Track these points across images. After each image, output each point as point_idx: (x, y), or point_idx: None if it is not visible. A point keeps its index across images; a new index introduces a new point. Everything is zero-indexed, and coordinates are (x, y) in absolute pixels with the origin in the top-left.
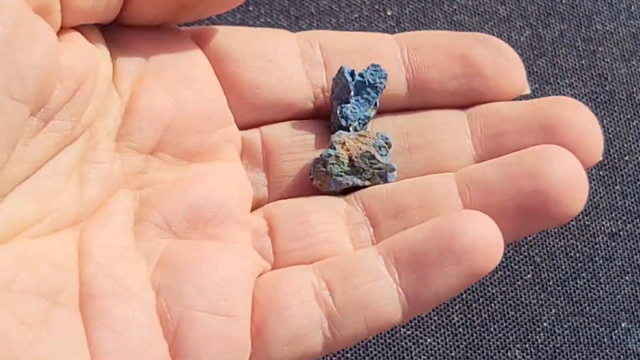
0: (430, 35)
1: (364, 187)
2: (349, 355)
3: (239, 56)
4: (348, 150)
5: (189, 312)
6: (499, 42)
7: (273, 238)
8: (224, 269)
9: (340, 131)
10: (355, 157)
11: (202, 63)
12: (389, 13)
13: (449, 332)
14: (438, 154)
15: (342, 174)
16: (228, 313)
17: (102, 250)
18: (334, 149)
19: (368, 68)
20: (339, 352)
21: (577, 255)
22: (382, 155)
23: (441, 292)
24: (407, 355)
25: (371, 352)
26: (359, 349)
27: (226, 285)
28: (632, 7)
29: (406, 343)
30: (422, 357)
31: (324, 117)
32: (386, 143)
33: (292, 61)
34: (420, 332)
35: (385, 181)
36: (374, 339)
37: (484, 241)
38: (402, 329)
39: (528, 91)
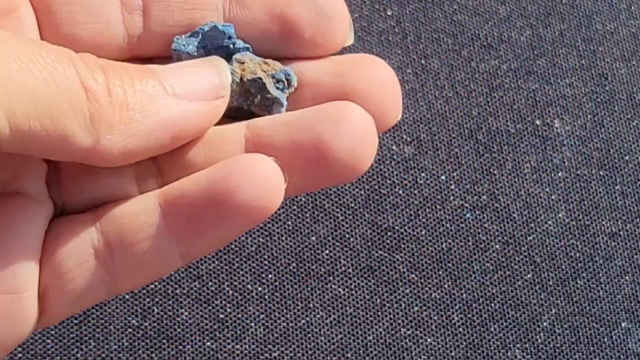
0: None
1: (249, 113)
2: (349, 355)
3: (57, 7)
4: (243, 71)
5: None
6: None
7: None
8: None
9: (249, 53)
10: (248, 79)
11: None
12: (389, 13)
13: (449, 331)
14: None
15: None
16: (13, 291)
17: None
18: (231, 65)
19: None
20: (338, 352)
21: (577, 255)
22: (277, 88)
23: (219, 241)
24: (407, 355)
25: (371, 352)
26: (359, 349)
27: (13, 257)
28: (633, 7)
29: (406, 343)
30: (422, 357)
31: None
32: (287, 79)
33: (109, 10)
34: (421, 332)
35: (270, 114)
36: (373, 338)
37: (263, 194)
38: (402, 329)
39: (350, 42)
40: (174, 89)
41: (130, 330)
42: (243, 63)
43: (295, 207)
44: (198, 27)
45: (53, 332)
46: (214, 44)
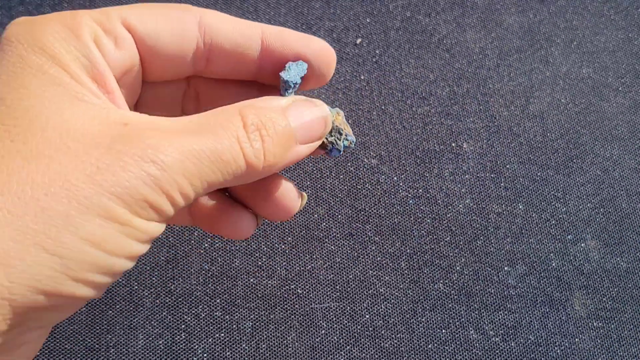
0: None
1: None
2: (337, 287)
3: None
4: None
5: None
6: None
7: None
8: None
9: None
10: (337, 125)
11: None
12: (362, 77)
13: (399, 273)
14: None
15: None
16: None
17: None
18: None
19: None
20: (330, 286)
21: (477, 225)
22: (342, 130)
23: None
24: (373, 287)
25: (350, 285)
26: (343, 284)
27: None
28: (511, 74)
29: (372, 280)
30: (382, 288)
31: None
32: (349, 140)
33: (190, 32)
34: (381, 273)
35: (328, 153)
36: (352, 277)
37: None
38: (370, 271)
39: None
40: (297, 138)
41: (203, 272)
42: (335, 114)
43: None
44: (289, 63)
45: (147, 273)
46: (296, 78)
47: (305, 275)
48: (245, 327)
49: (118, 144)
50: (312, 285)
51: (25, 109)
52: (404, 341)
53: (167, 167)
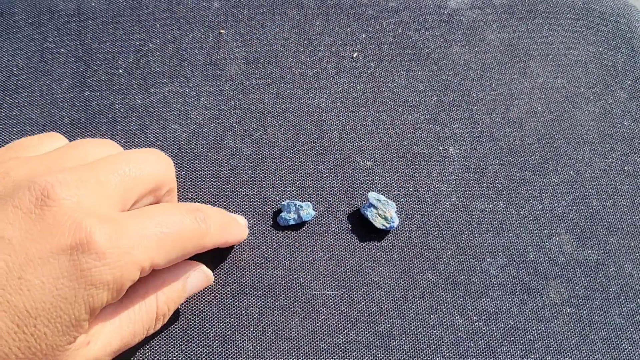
0: None
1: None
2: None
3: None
4: (378, 209)
5: None
6: None
7: None
8: None
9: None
10: (381, 215)
11: None
12: (358, 87)
13: (391, 265)
14: None
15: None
16: None
17: None
18: (379, 202)
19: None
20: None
21: (461, 221)
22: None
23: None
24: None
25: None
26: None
27: None
28: (493, 84)
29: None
30: (376, 279)
31: None
32: (390, 223)
33: None
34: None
35: (377, 227)
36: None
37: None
38: (370, 252)
39: None
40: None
41: (215, 265)
42: (379, 204)
43: (315, 194)
44: (290, 204)
45: None
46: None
47: (307, 266)
48: (252, 313)
49: None
50: (313, 275)
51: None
52: (396, 325)
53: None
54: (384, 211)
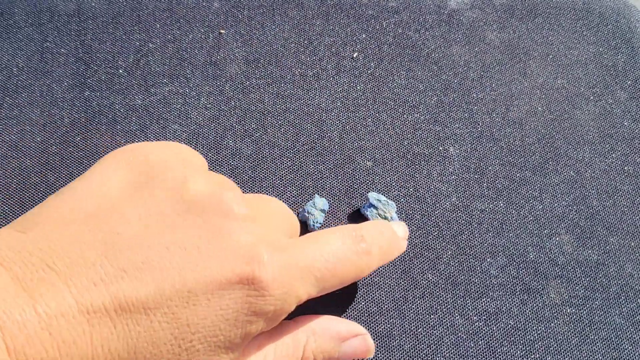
0: None
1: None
2: None
3: None
4: (378, 209)
5: None
6: None
7: None
8: None
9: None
10: (382, 215)
11: None
12: (358, 87)
13: (391, 264)
14: None
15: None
16: None
17: None
18: (378, 204)
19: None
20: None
21: (461, 221)
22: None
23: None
24: None
25: None
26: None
27: None
28: (493, 84)
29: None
30: (376, 279)
31: None
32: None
33: None
34: None
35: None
36: None
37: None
38: None
39: None
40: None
41: None
42: (379, 204)
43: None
44: (314, 203)
45: None
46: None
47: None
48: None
49: None
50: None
51: None
52: (396, 326)
53: None
54: (384, 211)
